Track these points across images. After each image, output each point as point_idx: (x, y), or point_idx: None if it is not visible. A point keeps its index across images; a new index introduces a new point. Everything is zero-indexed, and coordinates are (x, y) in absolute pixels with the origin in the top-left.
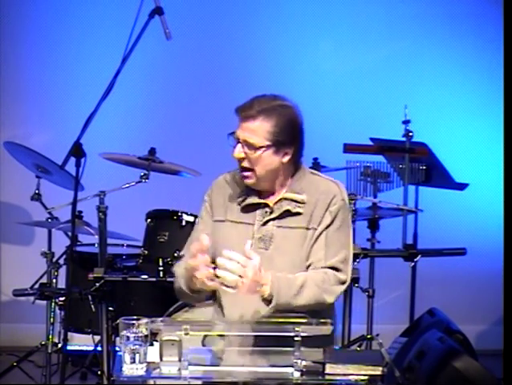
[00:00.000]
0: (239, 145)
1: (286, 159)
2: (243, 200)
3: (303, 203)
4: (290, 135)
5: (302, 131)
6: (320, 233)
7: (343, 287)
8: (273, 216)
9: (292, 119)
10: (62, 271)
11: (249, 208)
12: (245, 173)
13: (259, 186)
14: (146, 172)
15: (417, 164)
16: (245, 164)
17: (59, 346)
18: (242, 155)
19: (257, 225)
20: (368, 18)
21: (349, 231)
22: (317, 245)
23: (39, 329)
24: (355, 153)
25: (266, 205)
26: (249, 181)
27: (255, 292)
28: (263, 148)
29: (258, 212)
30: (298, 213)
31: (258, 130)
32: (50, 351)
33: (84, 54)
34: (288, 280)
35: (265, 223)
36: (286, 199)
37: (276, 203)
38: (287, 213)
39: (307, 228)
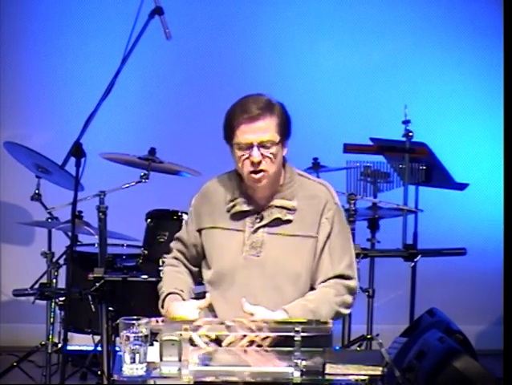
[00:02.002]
0: (255, 149)
1: (284, 153)
2: (232, 207)
3: (294, 210)
4: (289, 128)
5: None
6: (324, 244)
7: (354, 295)
8: (263, 223)
9: (286, 113)
10: (63, 271)
11: (238, 215)
12: (260, 175)
13: (267, 188)
14: (146, 172)
15: (417, 164)
16: (263, 165)
17: (59, 346)
18: (261, 157)
19: (247, 232)
20: (368, 18)
21: (348, 233)
22: (323, 256)
23: (39, 329)
24: (355, 153)
25: (256, 212)
26: (262, 183)
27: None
28: (279, 143)
29: (248, 218)
30: (289, 220)
31: (270, 127)
32: (50, 351)
33: (84, 54)
34: (302, 307)
35: (255, 230)
36: (276, 206)
37: (266, 210)
38: (278, 220)
39: (303, 236)
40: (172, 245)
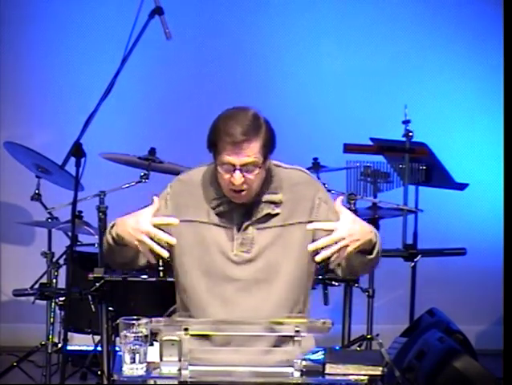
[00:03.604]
0: (238, 172)
1: (267, 166)
2: (218, 206)
3: (280, 202)
4: (273, 145)
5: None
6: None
7: None
8: (253, 220)
9: (271, 130)
10: (63, 271)
11: (224, 212)
12: (241, 194)
13: (248, 201)
14: (146, 172)
15: (417, 164)
16: (244, 186)
17: (59, 346)
18: (242, 179)
19: (237, 230)
20: (369, 19)
21: None
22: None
23: (39, 329)
24: (355, 153)
25: (244, 208)
26: (242, 200)
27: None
28: (263, 165)
29: (236, 216)
30: (277, 214)
31: (253, 150)
32: (50, 351)
33: (84, 54)
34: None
35: (245, 228)
36: (264, 202)
37: (255, 206)
38: (267, 216)
39: (294, 224)
40: None
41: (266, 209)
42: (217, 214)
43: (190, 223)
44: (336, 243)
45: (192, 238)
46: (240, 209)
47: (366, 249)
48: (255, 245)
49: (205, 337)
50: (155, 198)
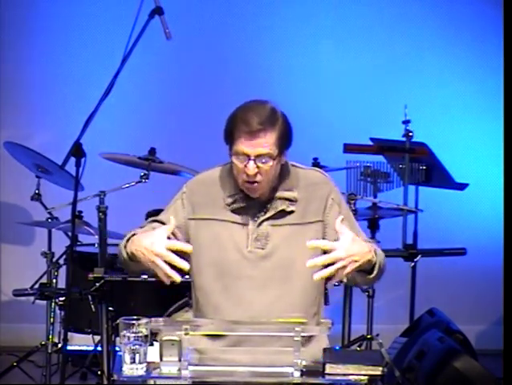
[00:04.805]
0: (252, 162)
1: (283, 161)
2: (233, 203)
3: (295, 200)
4: (290, 140)
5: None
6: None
7: None
8: (268, 215)
9: (288, 124)
10: (63, 271)
11: (239, 209)
12: (255, 185)
13: (262, 194)
14: (146, 172)
15: (417, 164)
16: (258, 178)
17: (59, 346)
18: (256, 170)
19: (252, 226)
20: (369, 19)
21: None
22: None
23: (39, 329)
24: (355, 153)
25: (259, 205)
26: (257, 193)
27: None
28: (277, 158)
29: (251, 212)
30: (292, 211)
31: (269, 141)
32: (50, 351)
33: (84, 54)
34: (376, 248)
35: (260, 223)
36: (279, 198)
37: (270, 202)
38: (282, 212)
39: (308, 223)
40: (145, 224)
41: (280, 206)
42: (232, 211)
43: (206, 221)
44: (334, 263)
45: (208, 236)
46: (255, 205)
47: (366, 269)
48: (270, 241)
49: (217, 336)
50: (172, 218)
